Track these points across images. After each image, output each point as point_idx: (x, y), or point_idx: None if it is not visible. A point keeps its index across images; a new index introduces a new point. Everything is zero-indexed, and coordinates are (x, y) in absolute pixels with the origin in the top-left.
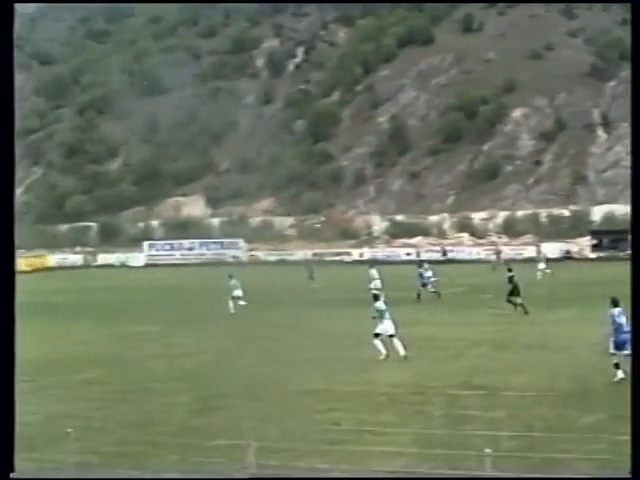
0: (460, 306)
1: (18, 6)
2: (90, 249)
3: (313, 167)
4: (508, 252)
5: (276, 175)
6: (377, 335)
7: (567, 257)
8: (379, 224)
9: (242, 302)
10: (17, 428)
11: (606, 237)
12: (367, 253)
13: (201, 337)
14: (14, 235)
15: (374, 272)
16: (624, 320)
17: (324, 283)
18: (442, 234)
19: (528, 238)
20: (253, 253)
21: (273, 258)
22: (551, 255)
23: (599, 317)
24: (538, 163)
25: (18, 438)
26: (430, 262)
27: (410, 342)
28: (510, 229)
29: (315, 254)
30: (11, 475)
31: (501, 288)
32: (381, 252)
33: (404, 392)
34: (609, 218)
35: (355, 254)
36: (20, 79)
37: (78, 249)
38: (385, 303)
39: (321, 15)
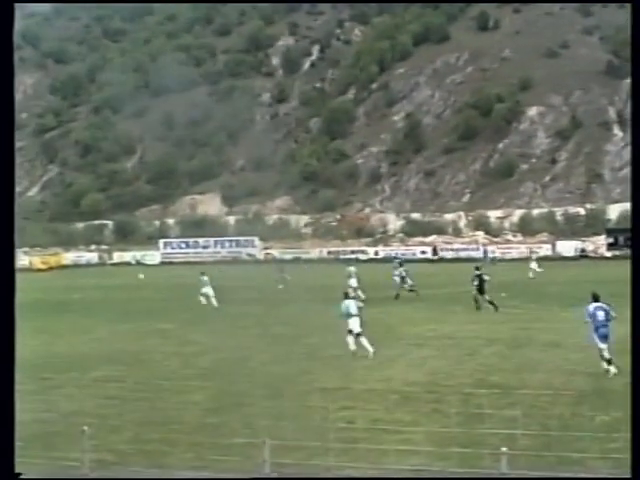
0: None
1: (34, 5)
2: (106, 247)
3: (328, 165)
4: (524, 250)
5: (291, 173)
6: (350, 332)
7: (583, 256)
8: (394, 222)
9: (213, 301)
10: (33, 426)
11: (622, 235)
12: (382, 251)
13: (216, 335)
14: (14, 235)
15: (352, 269)
16: (601, 315)
17: (337, 281)
18: (457, 232)
19: (544, 236)
20: (268, 251)
21: (288, 256)
22: (567, 254)
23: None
24: (554, 161)
25: (33, 436)
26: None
27: (425, 340)
28: (526, 227)
29: (330, 252)
30: (13, 474)
31: (516, 287)
32: (396, 250)
33: (419, 390)
34: (625, 216)
35: (370, 252)
36: (36, 78)
37: (94, 247)
38: (363, 301)
39: (336, 13)
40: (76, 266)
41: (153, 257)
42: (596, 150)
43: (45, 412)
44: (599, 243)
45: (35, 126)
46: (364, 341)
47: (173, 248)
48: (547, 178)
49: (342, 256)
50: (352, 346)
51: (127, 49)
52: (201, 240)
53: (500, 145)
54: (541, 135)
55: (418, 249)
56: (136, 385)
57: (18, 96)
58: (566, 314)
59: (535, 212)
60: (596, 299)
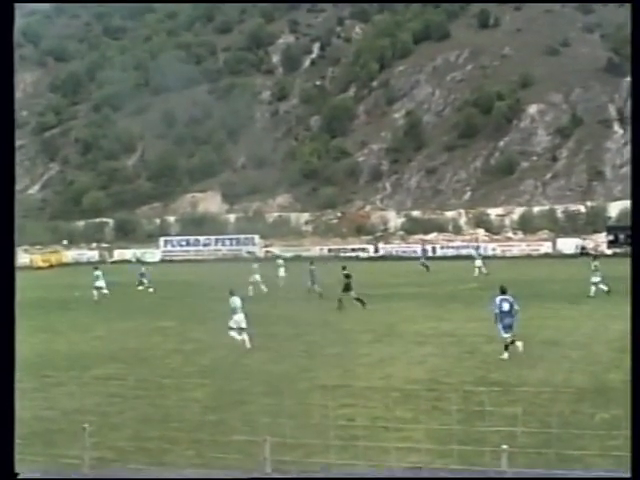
0: (475, 302)
1: (34, 3)
2: (106, 245)
3: (329, 163)
4: (524, 248)
5: (292, 171)
6: (231, 328)
7: (583, 253)
8: (395, 220)
9: (105, 291)
10: (33, 423)
11: (622, 233)
12: (383, 249)
13: (217, 333)
14: (14, 234)
15: (256, 266)
16: (506, 306)
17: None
18: (458, 230)
19: (544, 234)
20: (269, 249)
21: (289, 254)
22: (567, 251)
23: (614, 313)
24: (554, 159)
25: (33, 434)
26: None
27: (425, 338)
28: (526, 225)
29: (331, 250)
30: (13, 474)
31: (516, 284)
32: (397, 248)
33: (419, 388)
34: (625, 214)
35: (371, 250)
36: (36, 76)
37: (94, 245)
38: (241, 299)
39: (337, 11)
40: (77, 264)
41: (153, 255)
42: (597, 148)
43: (46, 410)
44: (600, 241)
45: (35, 124)
46: (245, 337)
47: (173, 246)
48: (548, 176)
49: (343, 254)
50: (239, 337)
51: (127, 47)
52: (202, 238)
53: (501, 143)
54: (541, 133)
55: (418, 247)
56: (137, 383)
57: (18, 94)
58: (566, 312)
59: (536, 210)
60: (503, 292)
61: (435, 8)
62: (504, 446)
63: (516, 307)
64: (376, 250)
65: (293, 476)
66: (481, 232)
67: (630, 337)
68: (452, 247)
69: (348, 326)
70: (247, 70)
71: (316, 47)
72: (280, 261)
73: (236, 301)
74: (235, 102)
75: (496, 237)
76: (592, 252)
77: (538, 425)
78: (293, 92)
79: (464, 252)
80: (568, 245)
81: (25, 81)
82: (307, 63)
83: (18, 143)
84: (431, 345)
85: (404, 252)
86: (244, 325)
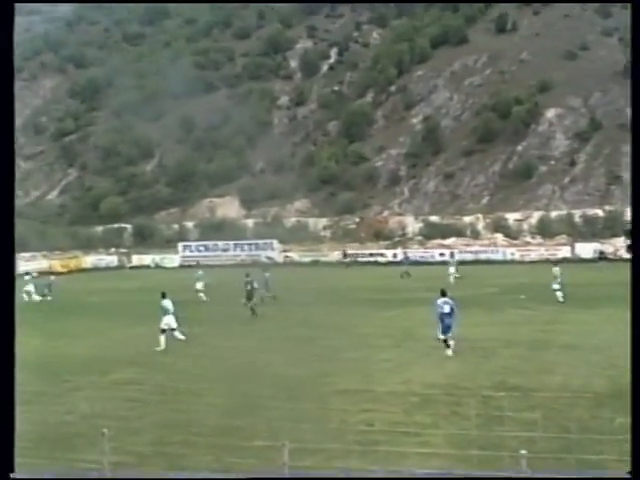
0: (494, 307)
1: (54, 10)
2: (125, 250)
3: (347, 168)
4: (543, 252)
5: (310, 176)
6: (163, 331)
7: (602, 257)
8: (413, 225)
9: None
10: (53, 428)
11: None
12: (401, 254)
13: (236, 338)
14: (14, 235)
15: (201, 273)
16: (447, 309)
17: (357, 283)
18: (476, 235)
19: (563, 239)
20: (287, 254)
21: (307, 259)
22: (585, 256)
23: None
24: (573, 163)
25: (53, 438)
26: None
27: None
28: (544, 230)
29: (349, 255)
30: (11, 475)
31: (534, 289)
32: (415, 253)
33: (438, 393)
34: None
35: (389, 255)
36: (55, 82)
37: (113, 250)
38: (172, 302)
39: (355, 16)
40: (96, 269)
41: (172, 260)
42: (615, 152)
43: (65, 414)
44: (618, 245)
45: (55, 130)
46: (173, 335)
47: (192, 251)
48: (566, 180)
49: (360, 259)
50: (162, 345)
51: (146, 53)
52: (220, 243)
53: (519, 147)
54: (560, 137)
55: (436, 251)
56: (155, 388)
57: (38, 100)
58: (584, 316)
59: (554, 214)
60: (443, 294)
61: (453, 13)
62: (523, 451)
63: (455, 309)
64: (395, 255)
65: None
66: (499, 237)
67: (630, 340)
68: (470, 252)
69: (367, 330)
70: (265, 75)
71: (334, 52)
72: (201, 272)
73: (167, 304)
74: (253, 107)
75: (514, 242)
76: (611, 256)
77: (557, 430)
78: (311, 97)
79: (482, 257)
80: (586, 250)
81: (45, 87)
82: (325, 68)
83: (37, 149)
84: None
85: (422, 257)
86: (174, 326)
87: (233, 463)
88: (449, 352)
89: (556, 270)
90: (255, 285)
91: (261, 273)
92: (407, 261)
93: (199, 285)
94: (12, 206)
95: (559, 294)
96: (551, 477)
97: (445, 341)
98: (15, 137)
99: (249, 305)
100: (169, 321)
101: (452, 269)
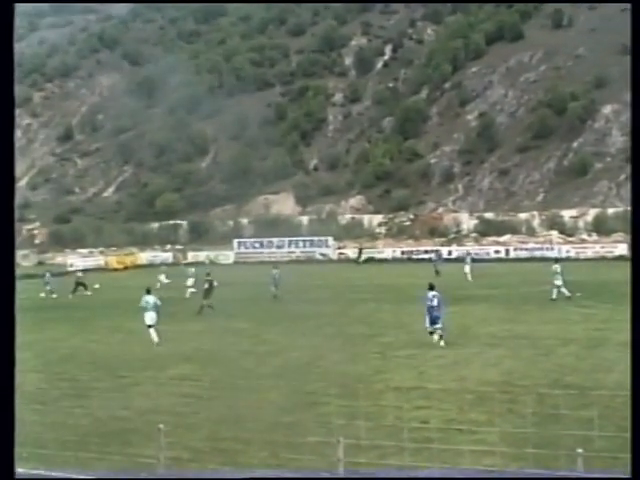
0: (550, 304)
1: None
2: (180, 247)
3: (401, 165)
4: (599, 250)
5: (365, 173)
6: (150, 326)
7: None
8: (468, 222)
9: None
10: (110, 423)
11: None
12: (456, 251)
13: (291, 334)
14: (14, 235)
15: (192, 270)
16: (436, 302)
17: (412, 280)
18: (531, 232)
19: (619, 236)
20: (342, 251)
21: (363, 256)
22: None
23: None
24: (629, 160)
25: (110, 433)
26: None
27: (499, 340)
28: (601, 227)
29: (404, 252)
30: (13, 476)
31: (590, 286)
32: (470, 250)
33: (493, 390)
34: None
35: (444, 252)
36: (112, 80)
37: (168, 247)
38: (158, 299)
39: (409, 12)
40: (151, 266)
41: (227, 257)
42: None
43: (122, 409)
44: None
45: (111, 127)
46: (153, 332)
47: (247, 248)
48: (622, 177)
49: (415, 256)
50: (155, 338)
51: (201, 50)
52: (275, 240)
53: (574, 144)
54: (616, 133)
55: (492, 248)
56: (211, 384)
57: (95, 98)
58: None
59: (610, 211)
60: (431, 288)
61: (508, 9)
62: (579, 450)
63: (442, 303)
64: (450, 252)
65: (364, 476)
66: (555, 234)
67: (630, 339)
68: (525, 249)
69: (422, 327)
70: (320, 72)
71: (388, 49)
72: (192, 270)
73: (149, 299)
74: (308, 104)
75: (570, 239)
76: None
77: (614, 429)
78: (365, 94)
79: (537, 254)
80: None
81: (101, 85)
82: (379, 65)
83: (94, 146)
84: (505, 347)
85: (477, 254)
86: (151, 322)
87: (288, 459)
88: (441, 342)
89: (556, 267)
90: (215, 284)
91: (270, 270)
92: (438, 259)
93: (189, 282)
94: (12, 206)
95: (564, 290)
96: (552, 477)
97: (431, 333)
98: (72, 134)
99: (204, 303)
100: (149, 317)
101: (467, 268)
